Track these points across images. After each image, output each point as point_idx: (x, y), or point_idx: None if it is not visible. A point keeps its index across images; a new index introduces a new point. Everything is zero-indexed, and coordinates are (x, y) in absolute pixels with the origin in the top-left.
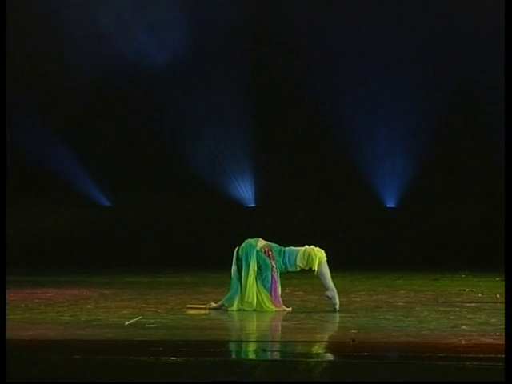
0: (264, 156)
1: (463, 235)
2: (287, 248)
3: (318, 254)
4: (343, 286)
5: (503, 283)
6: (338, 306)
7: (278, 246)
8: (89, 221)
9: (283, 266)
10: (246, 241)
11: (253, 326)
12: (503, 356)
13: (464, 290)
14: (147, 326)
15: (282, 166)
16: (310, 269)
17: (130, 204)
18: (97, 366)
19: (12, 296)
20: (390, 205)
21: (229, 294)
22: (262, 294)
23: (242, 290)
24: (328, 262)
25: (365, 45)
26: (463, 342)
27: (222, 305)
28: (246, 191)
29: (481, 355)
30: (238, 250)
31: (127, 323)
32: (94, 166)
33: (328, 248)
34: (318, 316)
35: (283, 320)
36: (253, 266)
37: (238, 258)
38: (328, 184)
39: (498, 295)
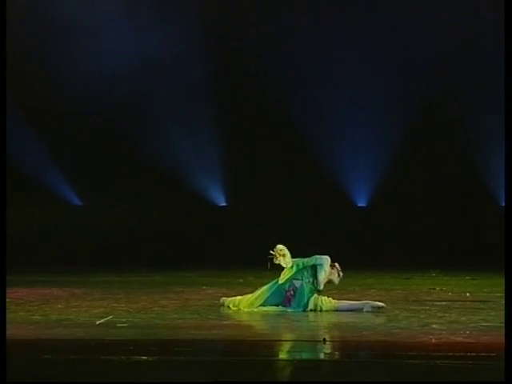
0: (234, 154)
1: (434, 234)
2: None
3: (327, 305)
4: None
5: (473, 282)
6: (380, 304)
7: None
8: (60, 219)
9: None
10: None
11: (224, 325)
12: (473, 354)
13: (434, 289)
14: (118, 325)
15: (253, 166)
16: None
17: (102, 203)
18: (67, 365)
19: None
20: (361, 204)
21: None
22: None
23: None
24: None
25: (337, 46)
26: (433, 341)
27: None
28: (216, 190)
29: (451, 354)
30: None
31: (98, 322)
32: (65, 164)
33: (299, 247)
34: (290, 315)
35: (254, 320)
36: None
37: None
38: (299, 183)
39: (467, 294)
